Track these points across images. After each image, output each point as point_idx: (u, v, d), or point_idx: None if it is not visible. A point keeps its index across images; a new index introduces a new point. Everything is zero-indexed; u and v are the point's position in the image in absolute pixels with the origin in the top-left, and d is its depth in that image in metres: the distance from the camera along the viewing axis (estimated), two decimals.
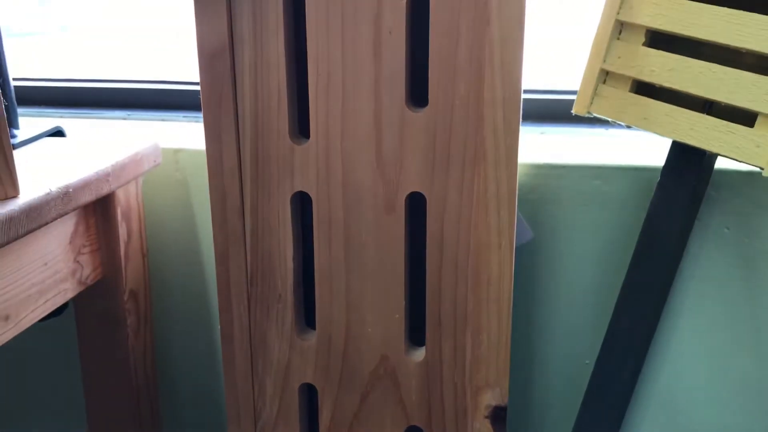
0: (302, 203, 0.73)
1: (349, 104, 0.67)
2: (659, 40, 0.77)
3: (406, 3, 0.63)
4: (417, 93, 0.67)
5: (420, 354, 0.73)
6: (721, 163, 0.85)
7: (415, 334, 0.75)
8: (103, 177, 0.80)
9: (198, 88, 0.70)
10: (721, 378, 0.93)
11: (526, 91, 1.12)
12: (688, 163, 0.81)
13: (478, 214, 0.67)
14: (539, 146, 0.97)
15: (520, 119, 0.64)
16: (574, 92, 1.11)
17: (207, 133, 0.71)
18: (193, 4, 0.66)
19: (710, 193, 0.87)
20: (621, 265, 0.91)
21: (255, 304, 0.75)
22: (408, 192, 0.68)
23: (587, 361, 0.97)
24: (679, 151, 0.81)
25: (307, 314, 0.77)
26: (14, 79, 1.18)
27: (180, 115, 1.17)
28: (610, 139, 0.99)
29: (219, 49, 0.67)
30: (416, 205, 0.70)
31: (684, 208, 0.83)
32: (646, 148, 0.94)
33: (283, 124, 0.69)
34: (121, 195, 0.87)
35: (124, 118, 1.19)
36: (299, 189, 0.71)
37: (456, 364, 0.72)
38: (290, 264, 0.73)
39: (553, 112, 1.11)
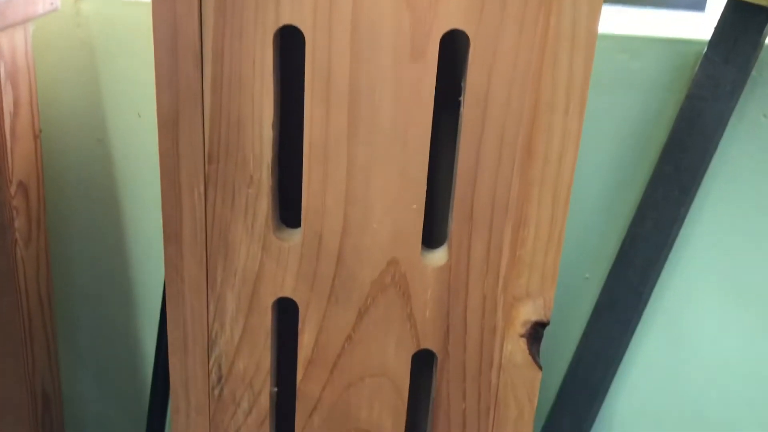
0: (290, 45, 0.53)
1: None
2: None
3: None
4: None
5: (440, 257, 0.56)
6: None
7: (433, 233, 0.58)
8: None
9: None
10: (732, 296, 0.82)
11: None
12: (744, 26, 0.67)
13: (543, 63, 0.49)
14: None
15: None
16: None
17: None
18: None
19: (752, 74, 0.74)
20: (643, 157, 0.77)
21: (214, 189, 0.54)
22: (445, 30, 0.49)
23: (587, 275, 0.83)
24: (736, 10, 0.67)
25: (287, 205, 0.57)
26: None
27: None
28: (635, 13, 0.84)
29: None
30: (450, 49, 0.51)
31: (731, 85, 0.69)
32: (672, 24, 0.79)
33: None
34: (4, 43, 0.62)
35: None
36: (287, 22, 0.50)
37: (488, 269, 0.55)
38: (268, 132, 0.53)
39: None
